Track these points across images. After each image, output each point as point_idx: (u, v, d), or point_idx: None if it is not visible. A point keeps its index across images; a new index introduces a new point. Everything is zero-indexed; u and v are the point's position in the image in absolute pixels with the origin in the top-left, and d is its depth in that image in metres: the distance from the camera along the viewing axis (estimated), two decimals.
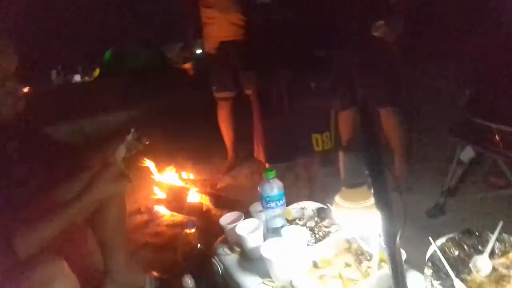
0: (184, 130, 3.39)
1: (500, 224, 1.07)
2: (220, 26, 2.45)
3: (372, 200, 0.79)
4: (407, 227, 1.81)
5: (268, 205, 1.25)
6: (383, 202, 0.75)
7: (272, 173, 1.24)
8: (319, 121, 1.81)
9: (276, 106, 1.80)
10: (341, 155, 0.78)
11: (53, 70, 6.85)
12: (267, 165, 2.01)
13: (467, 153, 1.85)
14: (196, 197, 2.39)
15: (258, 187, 1.27)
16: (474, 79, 2.02)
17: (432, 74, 3.54)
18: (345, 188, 0.80)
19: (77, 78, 6.92)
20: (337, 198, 0.82)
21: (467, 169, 2.01)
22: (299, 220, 1.41)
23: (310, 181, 2.11)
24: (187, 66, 2.73)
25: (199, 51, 2.75)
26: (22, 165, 1.27)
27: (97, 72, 6.69)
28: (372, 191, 0.75)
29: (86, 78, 6.84)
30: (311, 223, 1.38)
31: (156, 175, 2.49)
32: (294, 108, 1.78)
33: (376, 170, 0.74)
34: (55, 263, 1.09)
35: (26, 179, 1.27)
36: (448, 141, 2.02)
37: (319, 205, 1.47)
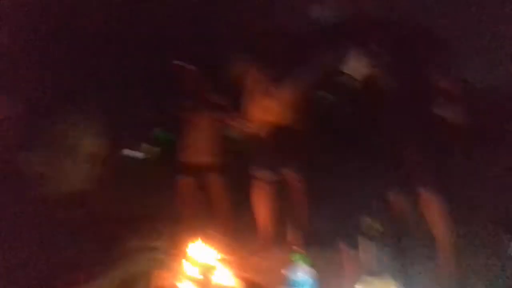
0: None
1: None
2: (271, 109, 2.52)
3: None
4: None
5: None
6: None
7: (301, 257, 1.22)
8: (369, 205, 1.69)
9: (323, 192, 1.79)
10: (365, 243, 0.77)
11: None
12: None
13: None
14: (225, 278, 2.31)
15: (284, 270, 1.24)
16: None
17: (483, 160, 3.32)
18: (365, 276, 0.77)
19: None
20: (359, 286, 0.79)
21: None
22: None
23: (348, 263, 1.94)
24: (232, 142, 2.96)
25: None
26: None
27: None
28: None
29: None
30: None
31: (184, 249, 2.47)
32: (343, 194, 1.73)
33: (400, 260, 0.72)
34: None
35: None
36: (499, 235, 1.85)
37: None
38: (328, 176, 1.77)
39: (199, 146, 2.98)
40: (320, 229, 1.74)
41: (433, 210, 2.09)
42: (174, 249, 2.42)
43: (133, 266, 1.28)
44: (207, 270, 2.31)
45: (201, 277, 2.27)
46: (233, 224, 3.02)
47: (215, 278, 2.26)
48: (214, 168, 3.01)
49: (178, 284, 2.28)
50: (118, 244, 1.35)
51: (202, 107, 2.96)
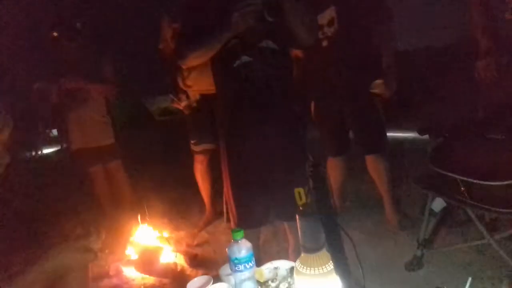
0: (160, 184, 3.34)
1: (469, 281, 1.06)
2: (200, 81, 2.40)
3: (331, 264, 0.77)
4: (387, 284, 1.73)
5: (237, 268, 1.19)
6: (341, 266, 0.74)
7: (240, 234, 1.21)
8: (301, 174, 1.60)
9: (252, 164, 1.59)
10: (298, 219, 0.77)
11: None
12: None
13: (438, 204, 1.87)
14: (170, 256, 2.28)
15: (226, 249, 1.23)
16: (437, 131, 2.11)
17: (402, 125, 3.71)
18: (304, 254, 0.78)
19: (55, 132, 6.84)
20: (297, 264, 0.79)
21: (440, 219, 2.02)
22: (272, 281, 1.35)
23: (291, 235, 2.02)
24: (166, 118, 2.74)
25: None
26: None
27: None
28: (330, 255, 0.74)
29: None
30: (284, 285, 1.32)
31: (129, 233, 2.39)
32: (273, 164, 1.58)
33: (332, 233, 0.74)
34: None
35: None
36: (420, 192, 2.04)
37: (293, 264, 1.42)
38: (256, 145, 1.55)
39: (87, 130, 2.62)
40: (253, 203, 1.63)
41: (376, 168, 2.26)
42: (114, 236, 2.31)
43: (64, 258, 1.18)
44: (153, 251, 2.26)
45: (147, 259, 2.21)
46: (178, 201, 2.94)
47: (162, 258, 2.22)
48: (111, 150, 2.71)
49: (123, 268, 2.21)
50: (44, 239, 1.23)
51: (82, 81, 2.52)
